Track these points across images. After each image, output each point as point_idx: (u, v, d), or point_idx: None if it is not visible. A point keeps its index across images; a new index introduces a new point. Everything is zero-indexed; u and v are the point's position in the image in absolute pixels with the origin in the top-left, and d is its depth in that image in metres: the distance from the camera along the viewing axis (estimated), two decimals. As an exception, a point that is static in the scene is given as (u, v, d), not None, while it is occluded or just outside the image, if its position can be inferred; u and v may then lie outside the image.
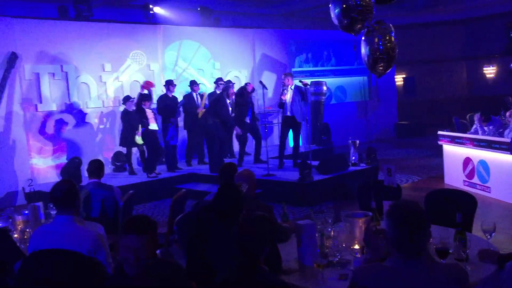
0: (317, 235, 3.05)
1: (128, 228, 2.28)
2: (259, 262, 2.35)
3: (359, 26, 4.24)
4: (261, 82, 8.88)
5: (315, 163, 8.42)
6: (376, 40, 3.78)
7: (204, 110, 9.62)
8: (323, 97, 12.60)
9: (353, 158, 8.68)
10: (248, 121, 9.62)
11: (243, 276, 2.28)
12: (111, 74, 10.09)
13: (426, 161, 10.84)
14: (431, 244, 3.09)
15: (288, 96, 8.68)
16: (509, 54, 13.37)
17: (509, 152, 6.66)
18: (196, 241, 2.93)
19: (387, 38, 3.86)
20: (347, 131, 12.49)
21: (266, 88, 9.03)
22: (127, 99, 9.11)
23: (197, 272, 2.84)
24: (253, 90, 9.82)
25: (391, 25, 4.37)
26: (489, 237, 3.07)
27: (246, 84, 9.84)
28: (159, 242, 3.71)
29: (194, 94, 9.81)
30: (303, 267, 2.86)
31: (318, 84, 12.45)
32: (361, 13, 3.95)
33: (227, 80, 10.32)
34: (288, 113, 8.75)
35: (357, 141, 8.81)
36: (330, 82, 13.51)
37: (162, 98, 9.42)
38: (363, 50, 4.16)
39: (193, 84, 9.83)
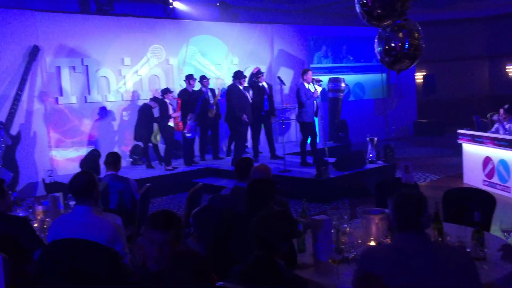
0: (332, 231, 3.05)
1: (154, 223, 2.27)
2: (276, 257, 2.37)
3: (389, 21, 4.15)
4: (279, 77, 8.88)
5: (332, 159, 8.40)
6: (402, 36, 3.73)
7: (215, 110, 9.66)
8: (341, 94, 12.52)
9: (371, 155, 8.63)
10: (262, 113, 9.46)
11: (259, 270, 2.29)
12: (130, 68, 10.17)
13: (445, 160, 10.71)
14: (448, 241, 3.08)
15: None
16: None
17: (530, 152, 6.55)
18: (221, 234, 2.95)
19: (415, 35, 3.80)
20: (365, 128, 12.40)
21: (284, 84, 9.02)
22: (166, 91, 9.17)
23: (216, 265, 2.87)
24: (259, 72, 9.67)
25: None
26: (508, 237, 3.04)
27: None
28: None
29: (205, 90, 9.78)
30: (318, 262, 2.86)
31: (336, 81, 12.38)
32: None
33: (238, 70, 10.11)
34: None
35: (375, 139, 8.75)
36: (348, 79, 13.42)
37: (182, 93, 9.48)
38: (383, 46, 4.10)
39: (203, 79, 9.81)
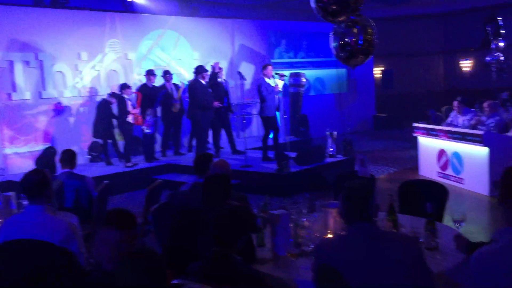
0: (291, 225, 3.08)
1: (108, 222, 2.23)
2: (233, 252, 2.37)
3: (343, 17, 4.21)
4: (239, 73, 8.87)
5: (293, 154, 8.47)
6: (356, 31, 3.80)
7: (179, 105, 9.58)
8: (302, 89, 12.64)
9: (331, 149, 8.76)
10: (222, 110, 9.50)
11: (216, 266, 2.28)
12: (87, 63, 9.92)
13: (402, 153, 11.00)
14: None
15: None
16: (485, 48, 13.58)
17: (482, 144, 6.80)
18: (179, 231, 2.93)
19: (369, 31, 3.88)
20: (325, 122, 12.55)
21: (245, 79, 9.02)
22: (124, 87, 8.95)
23: (174, 262, 2.84)
24: (220, 69, 9.68)
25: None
26: (459, 227, 3.14)
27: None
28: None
29: (168, 85, 9.68)
30: (276, 256, 2.89)
31: (297, 76, 12.48)
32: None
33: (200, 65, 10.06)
34: None
35: (335, 133, 8.88)
36: (309, 74, 13.55)
37: (142, 88, 9.33)
38: (336, 42, 4.16)
39: (166, 74, 9.71)
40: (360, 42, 3.85)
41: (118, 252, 2.16)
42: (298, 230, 3.11)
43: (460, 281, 2.42)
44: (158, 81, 9.72)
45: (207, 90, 9.11)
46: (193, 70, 9.65)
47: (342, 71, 14.92)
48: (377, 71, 17.33)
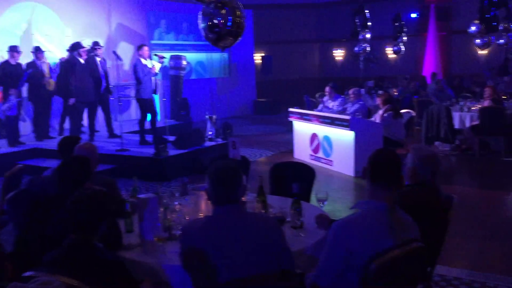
0: (162, 209, 3.01)
1: None
2: (93, 239, 2.24)
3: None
4: (114, 52, 8.45)
5: (173, 138, 8.35)
6: (225, 13, 3.77)
7: (53, 83, 8.90)
8: (183, 72, 12.47)
9: (210, 133, 8.78)
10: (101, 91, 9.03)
11: (73, 254, 2.15)
12: None
13: (279, 137, 11.42)
14: (271, 213, 3.26)
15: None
16: (354, 39, 14.57)
17: (349, 129, 7.28)
18: (36, 218, 2.70)
19: (237, 13, 3.88)
20: (207, 106, 12.56)
21: (121, 59, 8.63)
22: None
23: (30, 252, 2.62)
24: (98, 47, 9.17)
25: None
26: (322, 205, 3.31)
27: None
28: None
29: (39, 62, 8.94)
30: (144, 241, 2.80)
31: (177, 58, 12.27)
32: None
33: (76, 42, 9.39)
34: None
35: (214, 116, 8.91)
36: (190, 57, 13.40)
37: (2, 65, 8.46)
38: (205, 23, 4.11)
39: (37, 50, 8.94)
40: (229, 23, 3.85)
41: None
42: (169, 213, 3.05)
43: (318, 255, 2.55)
44: (25, 59, 8.88)
45: (84, 68, 8.55)
46: (66, 47, 8.99)
47: (224, 55, 14.98)
48: (258, 57, 17.72)
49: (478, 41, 11.82)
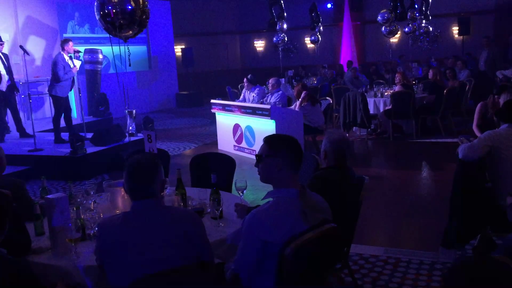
0: (74, 209, 2.88)
1: None
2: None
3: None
4: (21, 47, 7.94)
5: (90, 135, 8.02)
6: (117, 1, 3.63)
7: None
8: (100, 66, 12.01)
9: (130, 128, 8.53)
10: (3, 90, 8.49)
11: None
12: None
13: (203, 129, 11.35)
14: (190, 205, 3.23)
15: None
16: (272, 30, 14.75)
17: (269, 118, 7.37)
18: None
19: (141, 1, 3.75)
20: (127, 101, 12.14)
21: (28, 54, 8.12)
22: None
23: None
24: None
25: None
26: (241, 194, 3.32)
27: None
28: None
29: None
30: (55, 244, 2.66)
31: (93, 52, 11.79)
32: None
33: None
34: None
35: (134, 111, 8.68)
36: (107, 51, 12.91)
37: None
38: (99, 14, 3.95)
39: None
40: (127, 13, 3.72)
41: None
42: (83, 212, 2.93)
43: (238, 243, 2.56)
44: None
45: None
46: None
47: (143, 48, 14.61)
48: (178, 49, 17.46)
49: (383, 28, 12.42)
